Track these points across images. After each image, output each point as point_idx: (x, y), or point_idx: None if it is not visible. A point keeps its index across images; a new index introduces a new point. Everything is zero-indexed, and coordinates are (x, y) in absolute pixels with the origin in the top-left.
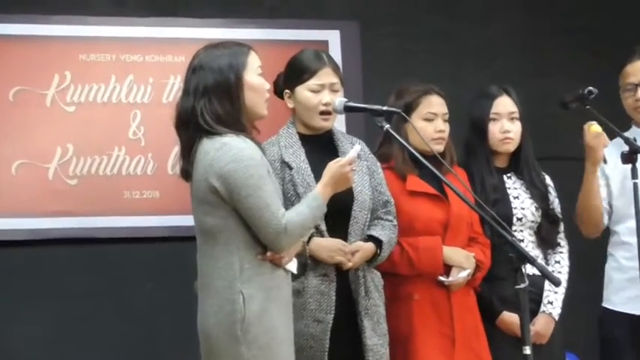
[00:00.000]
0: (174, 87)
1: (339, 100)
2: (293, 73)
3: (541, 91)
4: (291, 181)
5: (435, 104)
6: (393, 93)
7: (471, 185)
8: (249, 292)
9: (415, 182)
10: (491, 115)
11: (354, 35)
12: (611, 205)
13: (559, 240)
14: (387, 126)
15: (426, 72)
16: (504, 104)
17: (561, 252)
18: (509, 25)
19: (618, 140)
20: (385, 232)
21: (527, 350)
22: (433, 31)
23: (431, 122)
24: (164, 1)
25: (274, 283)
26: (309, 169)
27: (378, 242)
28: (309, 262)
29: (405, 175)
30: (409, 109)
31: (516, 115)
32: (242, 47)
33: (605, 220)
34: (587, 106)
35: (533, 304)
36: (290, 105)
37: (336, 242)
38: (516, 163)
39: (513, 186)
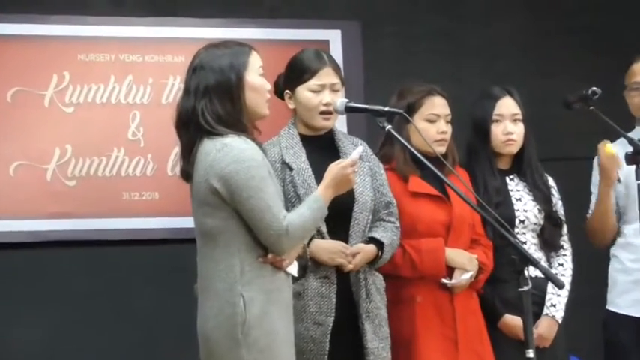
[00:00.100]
0: (173, 87)
1: (340, 100)
2: (293, 73)
3: (544, 91)
4: (292, 182)
5: (437, 105)
6: (395, 93)
7: (474, 187)
8: (249, 294)
9: (417, 183)
10: (494, 117)
11: (356, 35)
12: (617, 207)
13: (562, 242)
14: (389, 127)
15: (428, 72)
16: (507, 106)
17: (564, 254)
18: (511, 24)
19: (622, 141)
20: (387, 233)
21: (531, 353)
22: (435, 30)
23: (433, 123)
24: (163, 0)
25: (275, 286)
26: (310, 170)
27: (379, 244)
28: (310, 264)
29: (407, 176)
30: (411, 109)
31: (519, 116)
32: (243, 47)
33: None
34: (591, 107)
35: (535, 306)
36: (290, 105)
37: (336, 244)
38: (519, 164)
39: (516, 188)
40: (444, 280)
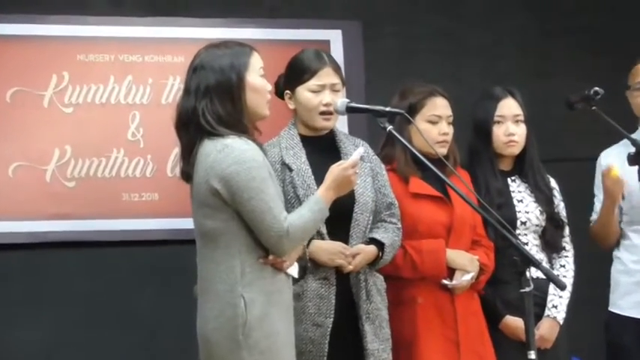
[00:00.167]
0: (173, 88)
1: (341, 100)
2: (293, 74)
3: (545, 92)
4: (292, 182)
5: (439, 106)
6: (396, 93)
7: (475, 188)
8: (250, 296)
9: (418, 184)
10: (496, 118)
11: (356, 35)
12: (620, 209)
13: (564, 244)
14: (390, 127)
15: (429, 72)
16: (509, 107)
17: (566, 256)
18: (512, 25)
19: (625, 142)
20: (388, 234)
21: (532, 355)
22: (436, 31)
23: (435, 125)
24: (163, 0)
25: (275, 288)
26: (310, 170)
27: (380, 245)
28: (309, 266)
29: (408, 177)
30: (413, 110)
31: (521, 117)
32: (244, 47)
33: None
34: (593, 107)
35: (537, 307)
36: (291, 106)
37: (336, 245)
38: (521, 166)
39: (518, 189)
40: (445, 282)
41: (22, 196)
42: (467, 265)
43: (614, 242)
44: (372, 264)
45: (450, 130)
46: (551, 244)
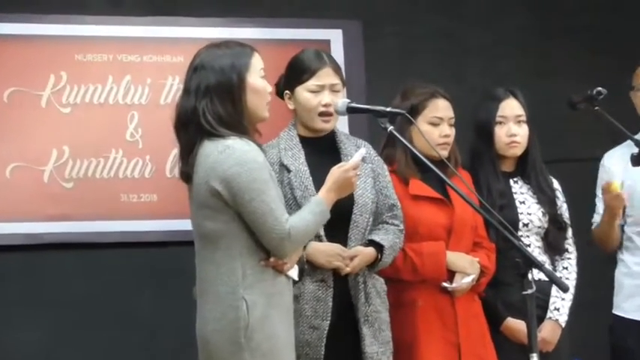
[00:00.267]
0: (172, 88)
1: (341, 101)
2: (293, 74)
3: (547, 92)
4: (289, 184)
5: (441, 108)
6: (398, 94)
7: (477, 190)
8: (252, 298)
9: (418, 186)
10: (498, 119)
11: (357, 35)
12: (623, 211)
13: (567, 246)
14: (391, 127)
15: (430, 72)
16: (511, 107)
17: (569, 258)
18: (514, 24)
19: (628, 143)
20: (388, 236)
21: (535, 358)
22: (437, 30)
23: (436, 126)
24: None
25: (276, 290)
26: (308, 171)
27: (379, 247)
28: (306, 268)
29: (408, 178)
30: (414, 111)
31: (523, 118)
32: (245, 48)
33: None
34: (596, 107)
35: (539, 310)
36: (290, 106)
37: (334, 247)
38: (523, 167)
39: (520, 191)
40: (445, 284)
41: (20, 197)
42: (467, 267)
43: (615, 246)
44: (372, 266)
45: (452, 131)
46: (553, 246)
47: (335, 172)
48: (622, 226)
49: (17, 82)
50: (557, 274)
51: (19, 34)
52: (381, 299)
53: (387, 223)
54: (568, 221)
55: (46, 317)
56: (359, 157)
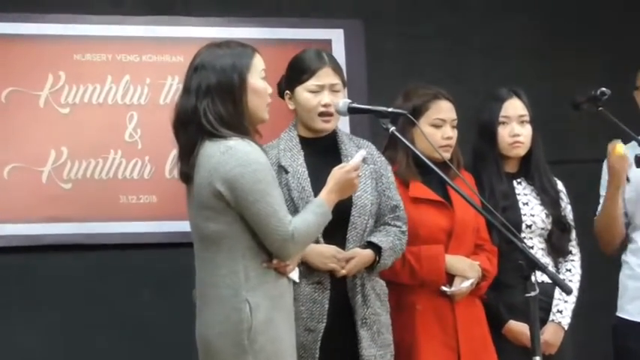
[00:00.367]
0: (172, 88)
1: (342, 101)
2: (293, 74)
3: (551, 92)
4: (287, 185)
5: (444, 110)
6: (400, 94)
7: (479, 191)
8: (255, 300)
9: (418, 189)
10: (501, 119)
11: (358, 34)
12: (626, 213)
13: (570, 248)
14: (393, 128)
15: (432, 72)
16: (514, 107)
17: (573, 260)
18: (519, 23)
19: (633, 144)
20: (388, 238)
21: None
22: (440, 30)
23: (439, 128)
24: None
25: (278, 292)
26: (307, 173)
27: (378, 249)
28: (302, 269)
29: (408, 181)
30: (417, 113)
31: (526, 118)
32: (246, 48)
33: (624, 233)
34: (600, 107)
35: (541, 312)
36: (291, 106)
37: (330, 249)
38: (527, 168)
39: (523, 192)
40: (444, 288)
41: (18, 198)
42: (467, 271)
43: (617, 242)
44: (370, 268)
45: (454, 133)
46: (557, 248)
47: (336, 173)
48: (626, 225)
49: (15, 81)
50: (561, 276)
51: (16, 33)
52: (380, 302)
53: (389, 224)
54: (572, 223)
55: (44, 319)
56: (359, 158)
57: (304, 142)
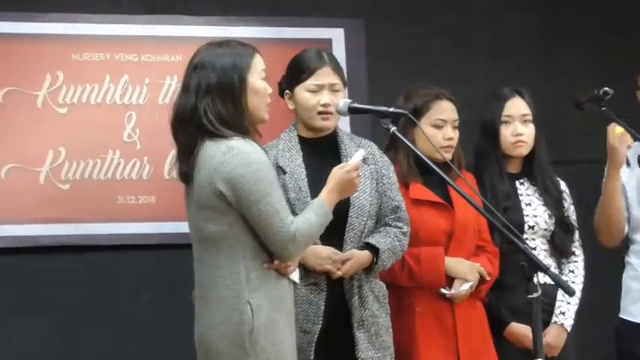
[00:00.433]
0: (170, 88)
1: (343, 101)
2: (292, 73)
3: (554, 92)
4: (284, 185)
5: (445, 110)
6: (401, 94)
7: (481, 191)
8: (256, 302)
9: (419, 190)
10: (503, 118)
11: (359, 33)
12: (628, 210)
13: (574, 249)
14: (394, 128)
15: (435, 72)
16: (517, 106)
17: (576, 261)
18: (521, 22)
19: (636, 144)
20: (387, 239)
21: None
22: (442, 29)
23: (440, 129)
24: None
25: (280, 293)
26: (304, 173)
27: (376, 250)
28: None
29: (408, 182)
30: (418, 113)
31: (529, 117)
32: (247, 48)
33: (626, 229)
34: (603, 107)
35: (544, 314)
36: (290, 106)
37: (326, 250)
38: (530, 168)
39: (526, 192)
40: (443, 291)
41: (15, 198)
42: (467, 273)
43: (618, 233)
44: (368, 269)
45: (455, 134)
46: (560, 249)
47: (336, 173)
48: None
49: (13, 81)
50: (564, 278)
51: (14, 32)
52: (379, 304)
53: (390, 225)
54: (575, 224)
55: (40, 323)
56: (359, 158)
57: (304, 142)
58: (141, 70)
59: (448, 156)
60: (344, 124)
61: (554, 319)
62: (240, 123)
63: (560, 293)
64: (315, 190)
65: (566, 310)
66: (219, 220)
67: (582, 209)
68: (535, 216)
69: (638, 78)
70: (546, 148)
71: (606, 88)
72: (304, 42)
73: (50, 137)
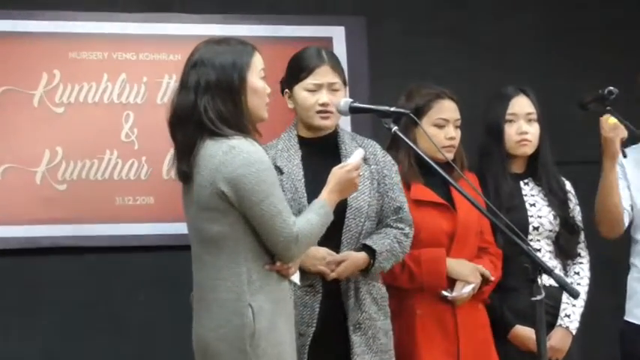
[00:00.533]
0: (169, 87)
1: (344, 100)
2: (291, 72)
3: (559, 91)
4: (281, 185)
5: (447, 109)
6: (403, 93)
7: (484, 191)
8: (258, 304)
9: (420, 191)
10: (507, 117)
11: (360, 31)
12: (632, 209)
13: (579, 250)
14: (395, 127)
15: (437, 70)
16: (521, 105)
17: (581, 263)
18: (525, 20)
19: (638, 144)
20: (386, 240)
21: None
22: (444, 26)
23: (442, 129)
24: None
25: (281, 295)
26: (302, 174)
27: (373, 252)
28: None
29: (410, 183)
30: (419, 113)
31: (534, 116)
32: (246, 46)
33: (626, 221)
34: (608, 107)
35: (549, 317)
36: (290, 105)
37: (321, 251)
38: (534, 168)
39: (530, 193)
40: (445, 293)
41: (11, 199)
42: (468, 275)
43: (617, 223)
44: (365, 271)
45: (457, 134)
46: (565, 250)
47: (337, 173)
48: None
49: (9, 80)
50: (569, 280)
51: (10, 31)
52: (377, 306)
53: (391, 226)
54: (581, 224)
55: (37, 324)
56: (358, 157)
57: (303, 142)
58: (139, 69)
59: (450, 156)
60: (345, 123)
61: (559, 321)
62: (240, 122)
63: (565, 295)
64: (312, 191)
65: (572, 312)
66: (221, 220)
67: (586, 210)
68: (540, 217)
69: (639, 77)
70: (551, 147)
71: (611, 88)
72: (304, 40)
73: (47, 137)
